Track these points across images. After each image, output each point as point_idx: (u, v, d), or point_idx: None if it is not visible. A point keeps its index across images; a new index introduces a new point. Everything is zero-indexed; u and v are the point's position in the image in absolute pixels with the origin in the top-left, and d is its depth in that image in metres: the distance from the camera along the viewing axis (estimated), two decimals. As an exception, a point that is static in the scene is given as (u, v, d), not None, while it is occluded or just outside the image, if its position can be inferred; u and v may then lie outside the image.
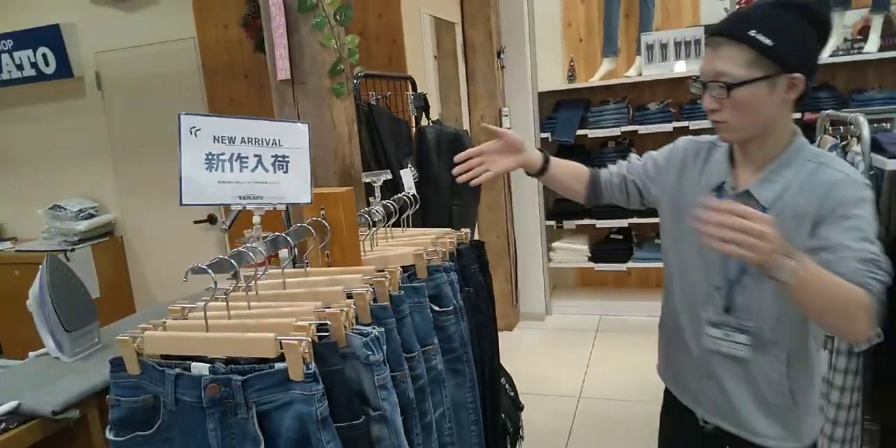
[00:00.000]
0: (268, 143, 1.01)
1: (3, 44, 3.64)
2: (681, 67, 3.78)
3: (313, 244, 1.21)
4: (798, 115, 3.45)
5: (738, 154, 1.28)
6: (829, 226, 1.13)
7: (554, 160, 1.50)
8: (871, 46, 3.42)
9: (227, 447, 0.91)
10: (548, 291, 4.28)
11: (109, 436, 0.96)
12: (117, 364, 0.96)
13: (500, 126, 3.83)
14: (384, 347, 0.96)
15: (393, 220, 1.45)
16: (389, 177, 1.41)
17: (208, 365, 0.91)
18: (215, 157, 0.96)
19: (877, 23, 3.42)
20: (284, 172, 1.02)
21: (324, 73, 1.94)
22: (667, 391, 1.52)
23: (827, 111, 2.44)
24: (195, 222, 3.50)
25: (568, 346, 3.81)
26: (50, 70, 3.60)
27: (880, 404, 2.03)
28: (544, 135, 4.04)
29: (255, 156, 1.00)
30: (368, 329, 0.96)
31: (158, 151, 3.56)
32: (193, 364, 0.91)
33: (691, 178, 1.35)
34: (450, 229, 1.54)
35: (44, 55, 3.59)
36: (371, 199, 1.41)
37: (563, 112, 4.07)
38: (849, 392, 2.00)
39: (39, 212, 3.71)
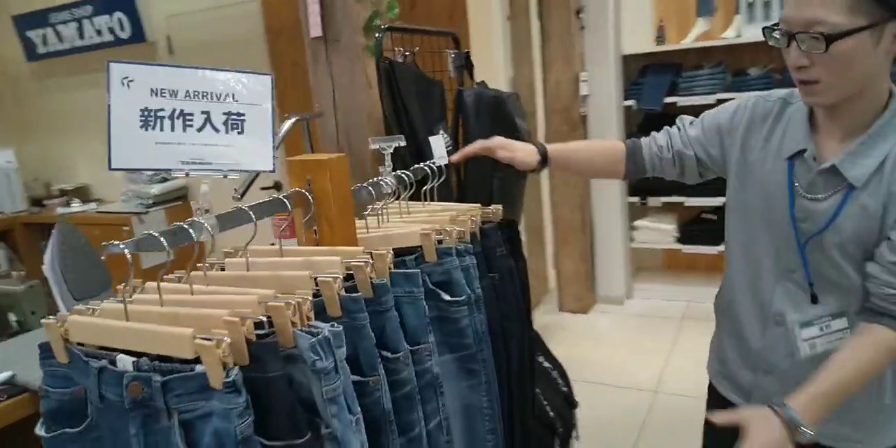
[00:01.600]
0: (219, 98, 0.84)
1: (85, 10, 3.70)
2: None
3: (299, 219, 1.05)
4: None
5: (820, 117, 1.07)
6: None
7: (559, 151, 1.32)
8: None
9: (151, 457, 0.77)
10: (629, 273, 3.98)
11: (39, 432, 0.85)
12: (46, 350, 0.84)
13: (578, 91, 3.52)
14: (339, 350, 0.78)
15: (408, 193, 1.26)
16: (402, 143, 1.21)
17: (133, 359, 0.77)
18: (152, 114, 0.80)
19: None
20: (239, 133, 0.85)
21: (358, 28, 1.76)
22: (711, 387, 1.29)
23: None
24: (262, 189, 3.46)
25: (648, 333, 3.51)
26: (125, 34, 3.64)
27: None
28: (628, 102, 3.68)
29: (203, 113, 0.83)
30: (323, 326, 0.78)
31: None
32: (119, 357, 0.78)
33: (758, 142, 1.14)
34: (477, 205, 1.34)
35: (119, 20, 3.62)
36: (381, 168, 1.22)
37: (650, 77, 3.69)
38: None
39: (117, 174, 3.81)
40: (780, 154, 1.09)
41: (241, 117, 0.85)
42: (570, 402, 1.94)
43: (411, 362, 0.96)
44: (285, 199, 0.97)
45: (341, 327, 0.80)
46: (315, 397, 0.77)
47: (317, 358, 0.74)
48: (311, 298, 0.81)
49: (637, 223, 3.97)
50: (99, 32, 3.69)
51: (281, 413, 0.74)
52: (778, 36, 0.98)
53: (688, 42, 3.59)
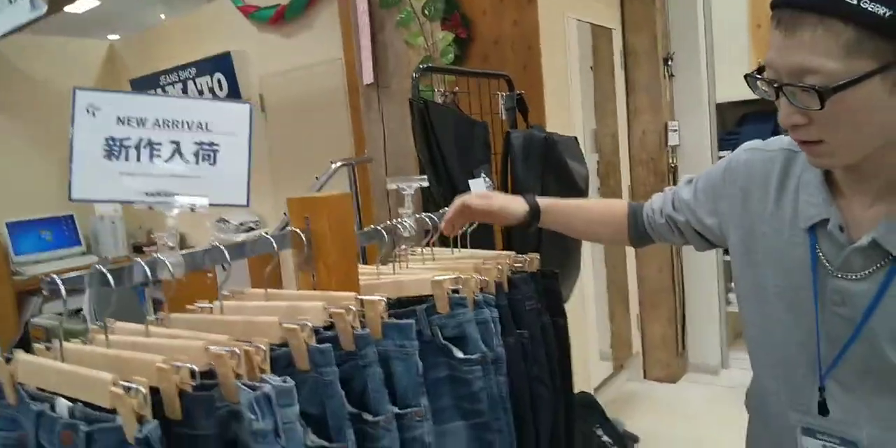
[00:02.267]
0: (190, 127, 0.79)
1: (189, 72, 3.99)
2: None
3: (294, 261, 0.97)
4: None
5: (840, 174, 0.84)
6: None
7: (554, 206, 1.17)
8: None
9: (75, 520, 0.68)
10: (725, 340, 3.61)
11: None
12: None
13: (667, 142, 3.33)
14: (286, 409, 0.67)
15: (431, 238, 1.17)
16: (424, 183, 1.13)
17: (70, 405, 0.70)
18: (118, 143, 0.76)
19: None
20: (211, 164, 0.80)
21: (409, 74, 1.73)
22: None
23: None
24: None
25: (742, 408, 3.13)
26: (223, 94, 3.87)
27: None
28: (723, 153, 3.44)
29: (172, 143, 0.78)
30: (272, 382, 0.68)
31: (312, 169, 3.64)
32: (58, 401, 0.71)
33: (766, 208, 0.91)
34: (510, 252, 1.21)
35: (219, 80, 3.86)
36: (401, 209, 1.14)
37: (749, 126, 3.46)
38: None
39: (208, 224, 3.97)
40: (797, 223, 0.87)
41: (215, 147, 0.80)
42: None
43: (395, 428, 0.83)
44: (272, 239, 0.89)
45: (292, 383, 0.69)
46: None
47: (253, 417, 0.64)
48: (265, 348, 0.72)
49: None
50: (200, 92, 3.95)
51: None
52: (765, 87, 0.76)
53: (788, 89, 3.33)
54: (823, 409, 0.86)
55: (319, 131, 3.59)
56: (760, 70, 0.76)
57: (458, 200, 1.13)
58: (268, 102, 3.79)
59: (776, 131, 3.32)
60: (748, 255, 0.94)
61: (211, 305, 0.94)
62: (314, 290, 0.99)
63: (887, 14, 0.65)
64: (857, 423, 0.84)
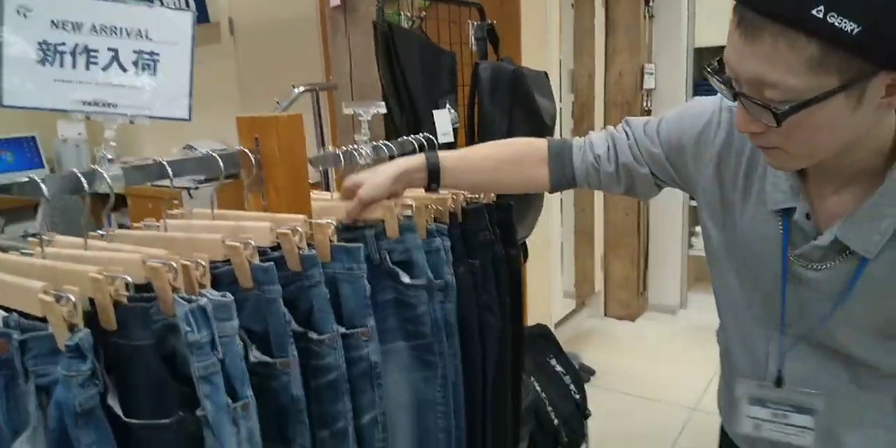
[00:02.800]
0: (129, 34, 0.76)
1: (155, -10, 3.80)
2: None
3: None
4: None
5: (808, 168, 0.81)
6: None
7: (457, 159, 1.01)
8: None
9: (14, 424, 0.70)
10: (685, 282, 3.72)
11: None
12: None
13: (642, 85, 3.30)
14: (223, 323, 0.68)
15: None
16: (382, 109, 1.11)
17: (4, 315, 0.70)
18: (52, 48, 0.73)
19: None
20: (151, 74, 0.77)
21: (377, -3, 1.66)
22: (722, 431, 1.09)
23: None
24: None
25: (698, 347, 3.25)
26: (190, 15, 3.71)
27: None
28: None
29: (110, 50, 0.75)
30: (210, 296, 0.68)
31: (282, 96, 3.55)
32: (-6, 311, 0.71)
33: (737, 180, 0.87)
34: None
35: (186, 1, 3.69)
36: (356, 136, 1.12)
37: (724, 73, 3.42)
38: None
39: (174, 151, 3.89)
40: (765, 204, 0.84)
41: (155, 57, 0.77)
42: (581, 412, 1.78)
43: (340, 346, 0.85)
44: (219, 158, 0.88)
45: (231, 298, 0.70)
46: (192, 374, 0.68)
47: (189, 329, 0.65)
48: (204, 263, 0.72)
49: (699, 229, 3.70)
50: (168, 11, 3.79)
51: (145, 388, 0.65)
52: (723, 85, 0.70)
53: (768, 35, 3.29)
54: (779, 382, 0.88)
55: (290, 57, 3.48)
56: (721, 63, 0.70)
57: (352, 192, 0.96)
58: (237, 26, 3.65)
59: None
60: (719, 217, 0.91)
61: (157, 224, 0.94)
62: (264, 212, 0.98)
63: (855, 31, 0.58)
64: (811, 394, 0.86)
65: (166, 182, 0.82)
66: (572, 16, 3.21)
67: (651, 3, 3.25)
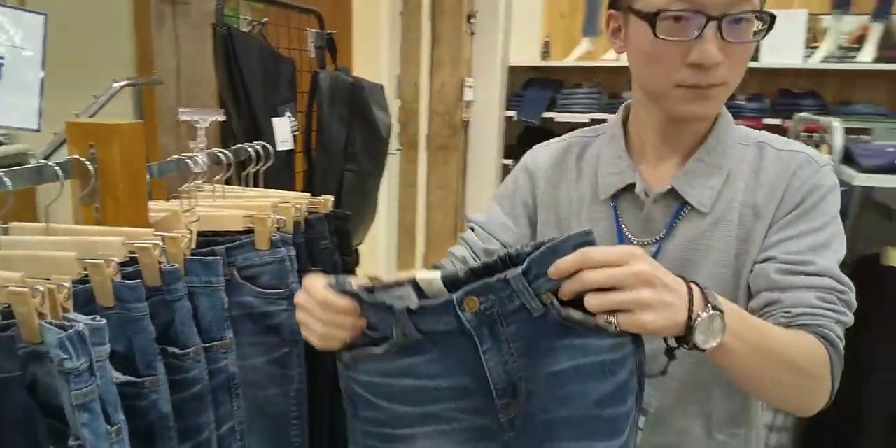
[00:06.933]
0: (-31, 38, 0.72)
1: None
2: (664, 56, 3.48)
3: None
4: (778, 122, 3.21)
5: (651, 141, 0.89)
6: (783, 230, 0.81)
7: None
8: (866, 56, 3.13)
9: None
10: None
11: None
12: None
13: (462, 96, 3.52)
14: (99, 348, 0.67)
15: (224, 176, 1.17)
16: (221, 117, 1.12)
17: None
18: None
19: (875, 31, 3.13)
20: (-6, 82, 0.74)
21: (212, -9, 1.63)
22: None
23: (801, 114, 2.18)
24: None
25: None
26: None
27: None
28: (510, 113, 3.74)
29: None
30: (80, 320, 0.67)
31: (79, 83, 3.24)
32: None
33: (567, 187, 0.96)
34: (305, 194, 1.26)
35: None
36: (192, 143, 1.12)
37: (532, 90, 3.77)
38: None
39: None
40: (598, 197, 0.91)
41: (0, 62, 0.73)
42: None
43: (204, 359, 0.87)
44: (58, 168, 0.85)
45: (104, 321, 0.69)
46: (63, 403, 0.66)
47: (66, 357, 0.63)
48: (69, 285, 0.70)
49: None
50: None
51: (11, 422, 0.64)
52: (684, 25, 0.74)
53: (571, 60, 3.69)
54: None
55: (90, 39, 3.18)
56: (681, 13, 0.75)
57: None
58: (31, -3, 3.28)
59: (553, 98, 3.63)
60: (556, 229, 0.96)
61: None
62: (98, 225, 0.95)
63: None
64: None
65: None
66: (400, 24, 3.33)
67: (472, 21, 3.48)
